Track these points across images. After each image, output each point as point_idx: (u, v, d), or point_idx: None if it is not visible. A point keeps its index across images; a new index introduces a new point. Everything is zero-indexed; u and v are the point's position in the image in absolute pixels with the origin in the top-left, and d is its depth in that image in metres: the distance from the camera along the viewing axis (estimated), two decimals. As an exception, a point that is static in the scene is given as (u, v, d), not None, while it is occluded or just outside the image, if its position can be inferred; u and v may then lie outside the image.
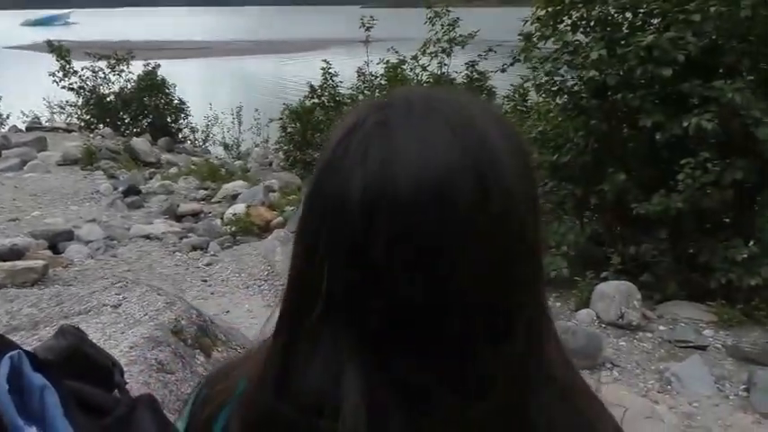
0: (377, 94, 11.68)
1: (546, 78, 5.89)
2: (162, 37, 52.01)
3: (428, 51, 10.64)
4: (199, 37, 57.90)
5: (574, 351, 4.62)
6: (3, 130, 15.52)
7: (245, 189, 10.01)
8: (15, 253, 6.14)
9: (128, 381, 1.67)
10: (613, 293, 5.27)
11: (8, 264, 5.66)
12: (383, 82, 11.46)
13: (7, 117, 16.39)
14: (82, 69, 15.34)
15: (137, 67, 15.92)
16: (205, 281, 6.66)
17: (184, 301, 2.13)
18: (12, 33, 59.81)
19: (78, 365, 1.39)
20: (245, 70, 35.10)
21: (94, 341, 1.90)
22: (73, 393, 1.31)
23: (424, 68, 11.02)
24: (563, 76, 5.74)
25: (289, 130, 12.87)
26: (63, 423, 1.19)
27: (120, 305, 2.03)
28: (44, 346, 1.43)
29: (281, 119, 12.97)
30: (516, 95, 8.60)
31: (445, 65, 10.81)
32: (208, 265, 7.06)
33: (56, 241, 7.11)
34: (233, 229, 8.12)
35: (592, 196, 5.89)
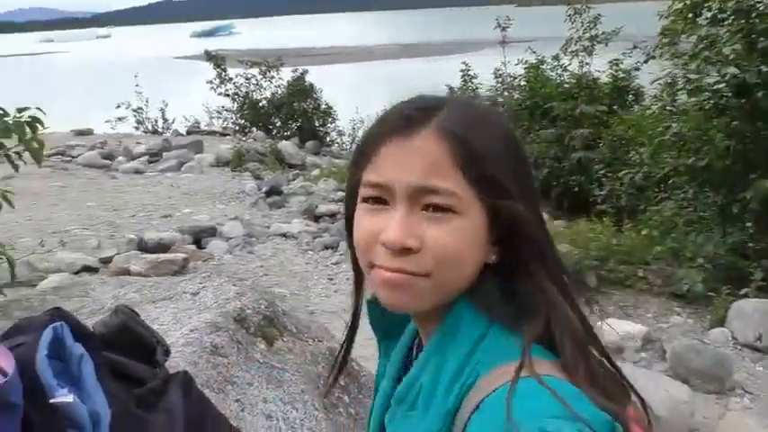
0: (516, 95, 11.58)
1: (685, 75, 5.57)
2: (312, 43, 54.63)
3: (569, 50, 10.38)
4: (348, 42, 60.16)
5: (696, 371, 4.35)
6: (167, 133, 17.11)
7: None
8: (162, 246, 6.82)
9: (179, 359, 1.88)
10: (753, 312, 4.89)
11: (153, 256, 6.32)
12: (522, 83, 11.33)
13: (172, 122, 18.03)
14: (236, 77, 16.58)
15: (287, 74, 16.93)
16: (331, 279, 6.99)
17: (258, 292, 2.32)
18: (181, 44, 65.71)
19: (126, 340, 1.63)
20: (391, 74, 35.98)
21: (165, 323, 2.15)
22: (110, 364, 1.53)
23: (564, 68, 10.75)
24: (703, 72, 5.38)
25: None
26: (96, 388, 1.41)
27: (198, 293, 2.26)
28: (100, 321, 1.68)
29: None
30: (664, 95, 8.18)
31: (587, 64, 10.48)
32: (336, 263, 7.40)
33: (200, 237, 7.75)
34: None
35: (734, 205, 5.48)
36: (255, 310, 2.14)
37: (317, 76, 17.66)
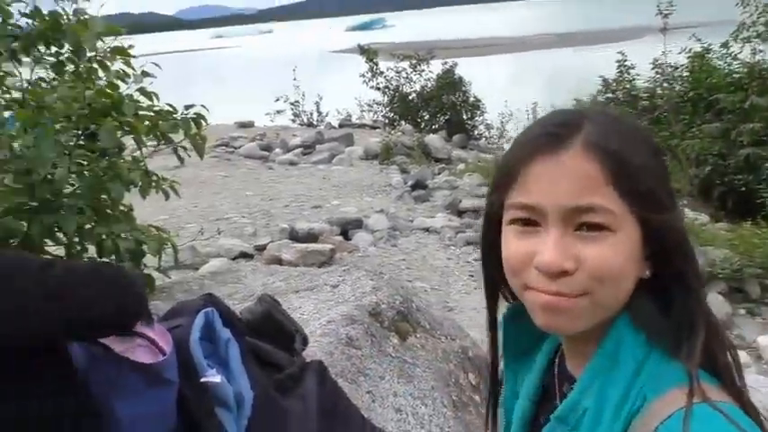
0: (677, 87, 10.88)
1: None
2: (465, 35, 54.30)
3: (740, 37, 9.58)
4: (502, 33, 59.19)
5: None
6: (320, 126, 17.85)
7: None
8: (311, 236, 7.17)
9: (315, 349, 1.99)
10: None
11: (302, 245, 6.66)
12: (685, 73, 10.61)
13: (326, 115, 18.79)
14: (387, 70, 16.93)
15: (437, 66, 17.03)
16: (471, 275, 6.99)
17: (393, 287, 2.39)
18: (337, 38, 68.01)
19: (269, 328, 1.76)
20: (544, 65, 35.00)
21: (305, 313, 2.28)
22: (254, 349, 1.66)
23: (734, 57, 9.94)
24: None
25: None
26: (241, 371, 1.54)
27: (337, 285, 2.38)
28: (246, 308, 1.82)
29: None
30: None
31: (760, 51, 9.62)
32: (477, 260, 7.37)
33: (347, 228, 8.05)
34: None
35: None
36: (390, 305, 2.22)
37: (466, 68, 17.60)
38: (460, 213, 9.50)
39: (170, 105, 3.01)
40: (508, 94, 18.17)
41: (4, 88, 3.00)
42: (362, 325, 2.09)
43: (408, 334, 2.21)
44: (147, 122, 2.83)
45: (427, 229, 8.47)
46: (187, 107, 3.07)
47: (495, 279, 0.95)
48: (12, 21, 2.87)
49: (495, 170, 0.89)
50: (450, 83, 16.66)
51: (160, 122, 2.84)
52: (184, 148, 3.08)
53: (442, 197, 10.08)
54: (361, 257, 7.20)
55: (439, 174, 11.82)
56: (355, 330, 2.05)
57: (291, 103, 18.21)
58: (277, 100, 18.00)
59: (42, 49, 3.01)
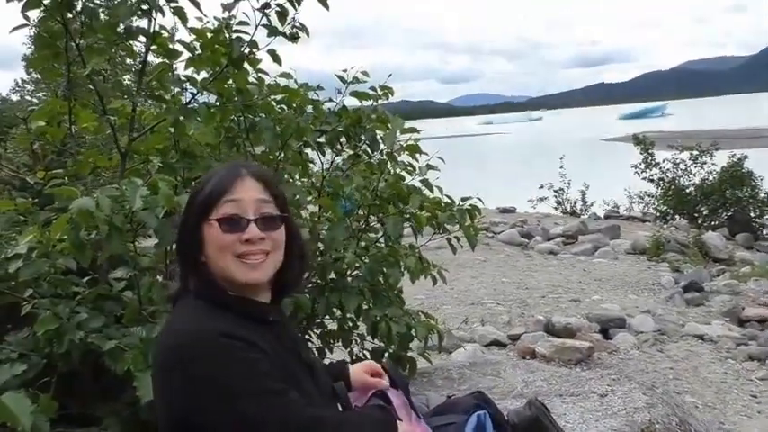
0: None
1: None
2: (755, 124, 49.62)
3: None
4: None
5: None
6: (584, 216, 17.48)
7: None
8: (568, 331, 6.97)
9: None
10: None
11: (559, 340, 6.50)
12: None
13: (591, 204, 18.38)
14: (663, 161, 16.16)
15: (721, 158, 15.88)
16: (754, 396, 6.21)
17: (669, 405, 2.23)
18: (610, 126, 66.60)
19: None
20: None
21: (570, 420, 2.22)
22: None
23: None
24: None
25: None
26: None
27: (606, 395, 2.28)
28: (514, 411, 1.85)
29: None
30: None
31: None
32: (762, 379, 6.57)
33: (607, 326, 7.69)
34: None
35: None
36: (665, 425, 2.09)
37: (757, 161, 16.13)
38: (742, 322, 8.56)
39: (449, 197, 3.24)
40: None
41: (307, 175, 3.48)
42: (633, 443, 2.00)
43: (680, 460, 2.05)
44: (427, 213, 3.08)
45: (701, 337, 7.75)
46: (464, 199, 3.28)
47: None
48: (322, 118, 3.35)
49: None
50: (736, 176, 15.43)
51: (439, 213, 3.07)
52: (457, 239, 3.27)
53: (721, 302, 9.19)
54: (623, 360, 6.80)
55: (718, 275, 10.83)
56: (626, 449, 1.97)
57: (555, 191, 18.17)
58: (541, 187, 18.11)
59: (343, 140, 3.46)
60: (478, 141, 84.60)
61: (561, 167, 17.69)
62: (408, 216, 2.97)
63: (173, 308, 1.60)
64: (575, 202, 18.36)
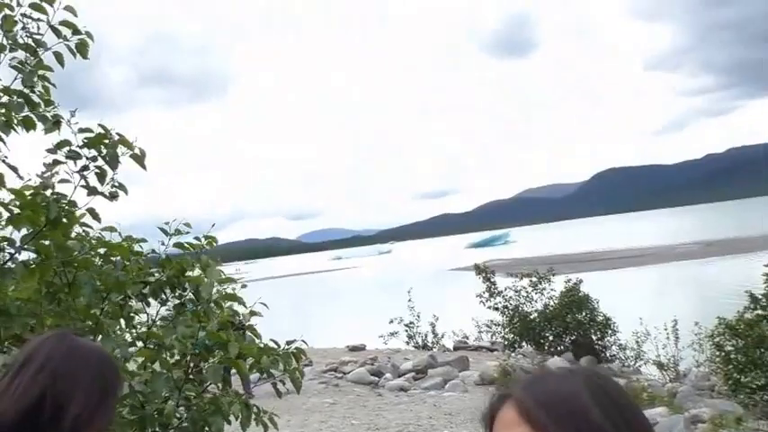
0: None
1: None
2: (592, 248, 54.50)
3: None
4: (637, 243, 58.99)
5: None
6: (434, 349, 18.17)
7: (663, 417, 9.75)
8: (417, 471, 7.22)
9: None
10: None
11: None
12: None
13: (442, 336, 19.15)
14: (505, 289, 17.32)
15: (559, 283, 17.19)
16: None
17: None
18: (458, 255, 70.25)
19: None
20: (685, 277, 34.15)
21: None
22: None
23: None
24: None
25: (727, 348, 12.15)
26: None
27: None
28: None
29: (711, 336, 12.37)
30: None
31: None
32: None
33: (458, 462, 8.02)
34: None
35: None
36: None
37: (594, 284, 17.63)
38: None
39: (274, 341, 3.52)
40: (640, 310, 17.82)
41: (132, 327, 3.66)
42: None
43: None
44: (250, 359, 3.34)
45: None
46: (288, 342, 3.57)
47: None
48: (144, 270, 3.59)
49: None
50: (574, 301, 16.65)
51: (263, 359, 3.33)
52: (282, 383, 3.52)
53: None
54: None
55: (563, 401, 11.56)
56: None
57: (406, 325, 18.81)
58: (391, 322, 18.71)
59: (168, 291, 3.70)
60: (328, 277, 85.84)
61: (410, 300, 18.44)
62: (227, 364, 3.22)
63: None
64: (425, 335, 19.03)
